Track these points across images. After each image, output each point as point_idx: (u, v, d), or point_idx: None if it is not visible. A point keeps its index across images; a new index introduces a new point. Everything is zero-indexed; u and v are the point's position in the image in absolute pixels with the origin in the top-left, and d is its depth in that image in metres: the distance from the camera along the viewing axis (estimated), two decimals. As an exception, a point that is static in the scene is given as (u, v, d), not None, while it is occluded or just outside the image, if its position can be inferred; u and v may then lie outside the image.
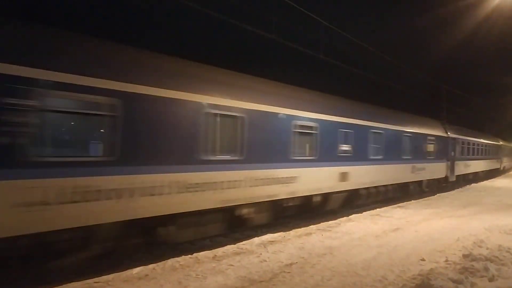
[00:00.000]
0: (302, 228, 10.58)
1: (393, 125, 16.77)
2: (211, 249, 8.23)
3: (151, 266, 7.06)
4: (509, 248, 8.32)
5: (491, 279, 6.66)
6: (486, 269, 6.97)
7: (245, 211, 9.80)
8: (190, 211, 8.35)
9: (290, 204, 11.23)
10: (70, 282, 6.19)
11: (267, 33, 13.22)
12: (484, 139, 33.29)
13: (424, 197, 18.69)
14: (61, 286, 6.05)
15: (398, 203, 16.38)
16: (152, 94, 7.72)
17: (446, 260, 7.82)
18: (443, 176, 22.36)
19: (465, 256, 7.91)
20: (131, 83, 7.37)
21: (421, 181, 19.81)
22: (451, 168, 23.30)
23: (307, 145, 11.79)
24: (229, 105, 9.23)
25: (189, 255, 7.74)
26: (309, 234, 10.04)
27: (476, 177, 30.39)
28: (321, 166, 12.14)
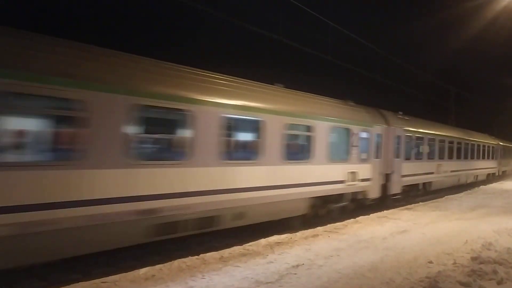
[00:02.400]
0: (309, 230, 10.55)
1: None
2: (218, 250, 8.24)
3: (158, 266, 7.08)
4: (518, 251, 8.25)
5: (499, 282, 6.61)
6: (495, 272, 6.91)
7: None
8: None
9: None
10: (77, 282, 6.23)
11: (273, 34, 13.24)
12: None
13: (431, 200, 18.56)
14: (68, 286, 6.09)
15: (406, 205, 16.29)
16: None
17: (454, 263, 7.76)
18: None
19: (473, 258, 7.85)
20: None
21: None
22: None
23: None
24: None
25: (196, 256, 7.76)
26: (316, 235, 10.01)
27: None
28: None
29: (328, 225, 11.28)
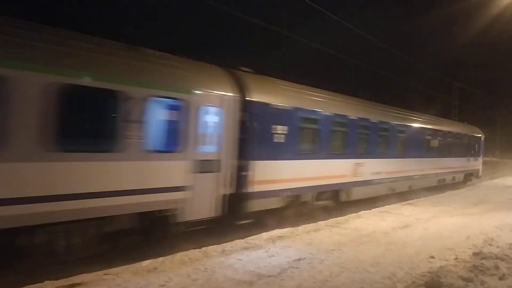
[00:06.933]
0: (311, 224, 10.56)
1: None
2: (220, 244, 8.25)
3: (160, 259, 7.10)
4: (520, 247, 8.24)
5: (501, 278, 6.62)
6: (497, 267, 6.91)
7: None
8: None
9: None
10: (80, 274, 6.25)
11: (278, 28, 13.18)
12: None
13: (433, 195, 18.55)
14: (71, 277, 6.11)
15: (408, 200, 16.28)
16: None
17: (456, 258, 7.78)
18: None
19: (475, 254, 7.85)
20: None
21: None
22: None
23: None
24: None
25: (198, 249, 7.77)
26: (318, 230, 10.02)
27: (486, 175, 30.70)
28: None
29: (330, 220, 11.29)
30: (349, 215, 12.09)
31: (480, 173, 27.82)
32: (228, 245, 8.20)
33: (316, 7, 13.43)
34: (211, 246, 8.01)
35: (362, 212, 12.77)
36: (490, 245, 8.71)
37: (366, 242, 8.96)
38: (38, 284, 5.88)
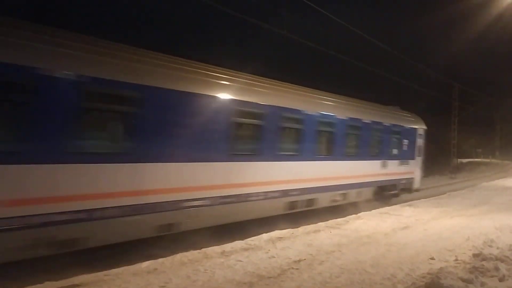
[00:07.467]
0: (311, 225, 10.56)
1: None
2: (220, 245, 8.25)
3: (160, 260, 7.10)
4: (520, 248, 8.23)
5: (501, 279, 6.60)
6: (497, 268, 6.90)
7: None
8: None
9: None
10: (80, 275, 6.25)
11: (278, 28, 13.18)
12: None
13: (433, 196, 18.55)
14: (71, 279, 6.12)
15: (408, 201, 16.27)
16: None
17: (456, 259, 7.76)
18: None
19: (475, 255, 7.84)
20: None
21: None
22: None
23: None
24: None
25: (198, 250, 7.77)
26: (318, 231, 10.02)
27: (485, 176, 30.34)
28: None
29: (330, 221, 11.28)
30: (349, 216, 12.09)
31: (415, 184, 18.92)
32: (228, 246, 8.19)
33: (316, 8, 13.43)
34: (211, 247, 8.01)
35: (362, 213, 12.77)
36: (490, 246, 8.69)
37: (366, 243, 8.96)
38: (38, 285, 5.88)
